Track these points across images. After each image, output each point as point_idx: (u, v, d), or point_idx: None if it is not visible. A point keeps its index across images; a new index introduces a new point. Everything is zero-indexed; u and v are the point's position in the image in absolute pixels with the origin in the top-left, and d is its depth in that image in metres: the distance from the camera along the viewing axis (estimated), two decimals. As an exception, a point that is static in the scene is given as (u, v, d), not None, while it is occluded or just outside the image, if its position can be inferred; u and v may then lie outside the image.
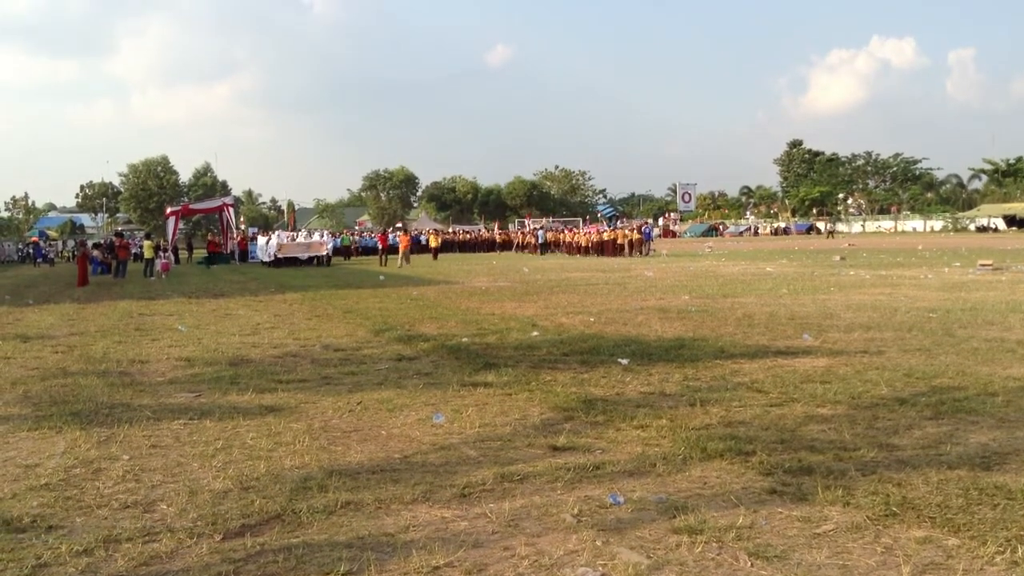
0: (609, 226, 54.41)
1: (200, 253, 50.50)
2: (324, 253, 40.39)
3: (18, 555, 3.90)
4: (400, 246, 38.53)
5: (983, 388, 7.01)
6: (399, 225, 69.64)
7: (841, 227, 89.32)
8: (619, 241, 43.13)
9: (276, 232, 48.16)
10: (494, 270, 30.00)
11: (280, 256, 38.58)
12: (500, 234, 63.53)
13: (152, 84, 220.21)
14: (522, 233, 60.32)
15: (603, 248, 43.40)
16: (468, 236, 63.12)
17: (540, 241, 51.94)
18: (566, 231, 56.37)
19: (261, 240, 46.78)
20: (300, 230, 61.46)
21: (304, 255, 39.75)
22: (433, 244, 45.85)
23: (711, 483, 4.77)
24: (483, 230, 72.15)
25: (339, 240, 51.50)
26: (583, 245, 46.68)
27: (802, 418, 6.21)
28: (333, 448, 5.75)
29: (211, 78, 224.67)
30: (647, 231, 47.79)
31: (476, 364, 8.96)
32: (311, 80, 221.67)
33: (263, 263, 41.07)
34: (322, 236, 46.37)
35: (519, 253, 51.41)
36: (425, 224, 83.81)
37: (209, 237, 51.65)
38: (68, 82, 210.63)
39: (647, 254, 41.55)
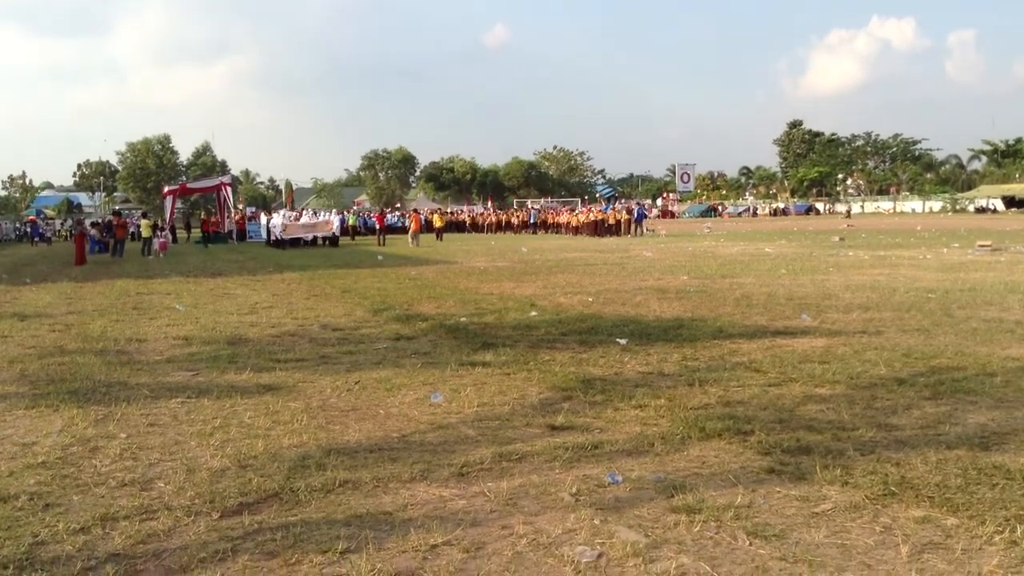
0: (608, 207, 54.63)
1: (199, 233, 50.14)
2: (331, 233, 38.95)
3: (15, 533, 3.89)
4: (411, 226, 38.26)
5: (982, 368, 7.01)
6: (398, 205, 69.33)
7: (840, 207, 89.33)
8: (610, 222, 43.50)
9: (280, 212, 46.20)
10: (492, 250, 29.96)
11: (285, 237, 37.03)
12: (471, 215, 62.88)
13: (150, 64, 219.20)
14: (514, 213, 60.62)
15: (595, 228, 43.60)
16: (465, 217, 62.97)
17: (532, 220, 52.35)
18: (556, 211, 57.08)
19: (263, 219, 46.02)
20: (306, 209, 60.07)
21: (310, 235, 38.23)
22: (438, 224, 44.95)
23: (709, 462, 4.77)
24: (513, 209, 69.45)
25: (346, 218, 49.64)
26: (575, 225, 46.91)
27: (800, 398, 6.20)
28: (331, 427, 5.74)
29: (209, 58, 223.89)
30: (639, 212, 48.17)
31: (474, 344, 8.94)
32: (309, 60, 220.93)
33: (267, 243, 39.83)
34: (328, 215, 44.55)
35: (510, 234, 51.48)
36: (423, 204, 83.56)
37: (203, 216, 50.66)
38: (66, 62, 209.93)
39: (640, 234, 41.80)
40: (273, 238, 38.29)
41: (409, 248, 33.48)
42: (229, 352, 8.81)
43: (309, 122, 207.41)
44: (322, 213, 48.42)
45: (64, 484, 4.60)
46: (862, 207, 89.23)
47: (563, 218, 51.21)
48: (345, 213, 56.17)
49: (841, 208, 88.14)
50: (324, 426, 5.76)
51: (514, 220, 56.56)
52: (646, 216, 53.25)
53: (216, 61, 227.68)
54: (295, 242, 36.98)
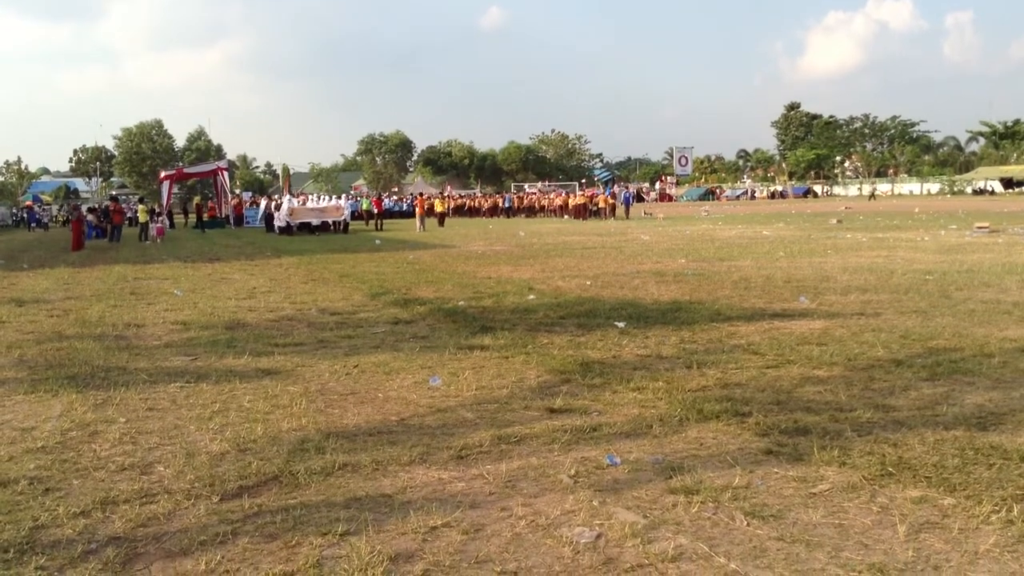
0: (605, 190, 55.19)
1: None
2: (341, 218, 36.36)
3: (15, 517, 3.90)
4: (418, 211, 37.72)
5: (979, 349, 7.02)
6: (395, 190, 68.75)
7: (838, 190, 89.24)
8: (600, 205, 45.03)
9: (286, 196, 43.02)
10: (490, 234, 29.92)
11: (292, 223, 34.47)
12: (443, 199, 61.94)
13: (144, 48, 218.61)
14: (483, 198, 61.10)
15: (580, 211, 44.98)
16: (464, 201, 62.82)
17: (506, 205, 53.04)
18: (526, 195, 58.24)
19: (263, 203, 44.06)
20: (308, 194, 58.27)
21: (318, 221, 35.61)
22: (439, 209, 44.06)
23: (707, 444, 4.78)
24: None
25: (358, 204, 47.40)
26: (555, 207, 48.93)
27: (798, 380, 6.22)
28: (330, 411, 5.75)
29: (203, 43, 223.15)
30: (627, 196, 50.30)
31: (473, 327, 8.94)
32: (305, 45, 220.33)
33: (270, 230, 37.14)
34: (339, 200, 41.98)
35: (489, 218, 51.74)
36: (420, 188, 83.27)
37: (197, 202, 49.83)
38: (61, 46, 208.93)
39: (627, 217, 43.30)
40: (278, 225, 35.46)
41: (406, 232, 33.40)
42: (227, 337, 8.81)
43: (306, 107, 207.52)
44: (332, 197, 45.60)
45: (64, 468, 4.61)
46: (860, 189, 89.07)
47: (544, 200, 52.38)
48: (359, 198, 54.65)
49: (840, 191, 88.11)
50: (323, 410, 5.77)
51: (482, 205, 56.46)
52: (643, 199, 53.93)
53: (210, 45, 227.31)
54: (303, 228, 34.69)
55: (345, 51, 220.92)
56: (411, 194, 62.79)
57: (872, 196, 71.47)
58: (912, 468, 4.23)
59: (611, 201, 45.28)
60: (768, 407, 5.44)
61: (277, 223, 35.77)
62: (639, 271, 14.60)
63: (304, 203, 39.47)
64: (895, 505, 3.81)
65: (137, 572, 3.37)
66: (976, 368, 6.36)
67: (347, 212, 37.78)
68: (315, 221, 35.51)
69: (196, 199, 50.73)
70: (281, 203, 38.03)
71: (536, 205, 53.37)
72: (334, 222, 36.02)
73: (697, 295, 11.09)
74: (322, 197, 44.20)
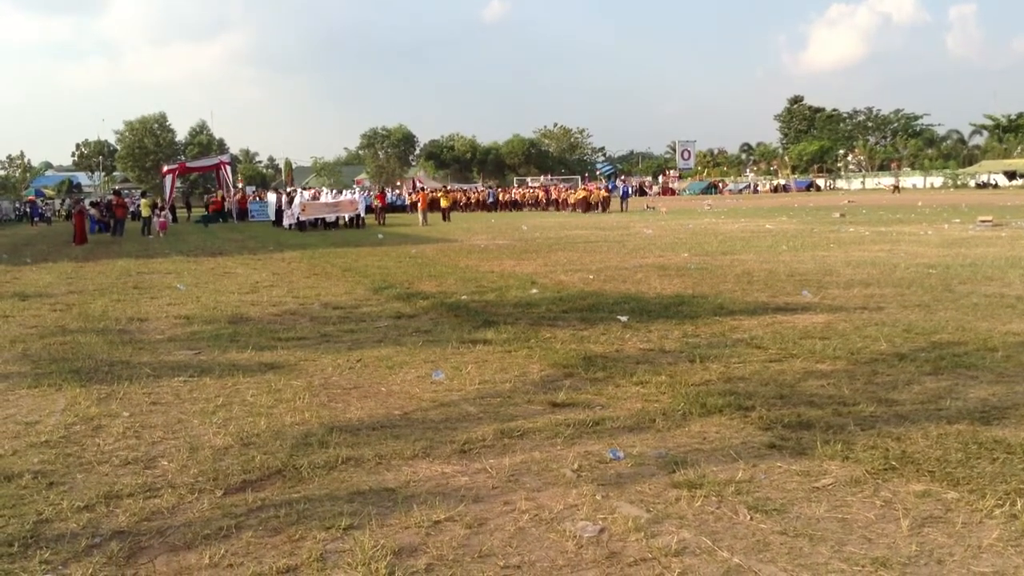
0: (608, 183, 55.72)
1: (200, 211, 49.64)
2: (356, 212, 34.83)
3: (20, 511, 3.91)
4: (420, 205, 37.40)
5: (982, 343, 7.01)
6: (399, 184, 68.39)
7: (841, 184, 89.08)
8: (593, 199, 46.19)
9: (299, 191, 41.39)
10: (492, 228, 29.90)
11: (304, 218, 32.89)
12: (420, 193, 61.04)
13: (145, 42, 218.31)
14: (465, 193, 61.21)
15: (582, 205, 45.91)
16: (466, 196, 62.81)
17: (491, 200, 53.73)
18: (506, 189, 59.77)
19: (271, 197, 42.73)
20: (321, 189, 57.34)
21: (332, 216, 34.17)
22: (444, 204, 43.48)
23: (710, 438, 4.79)
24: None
25: (370, 197, 45.68)
26: (557, 200, 50.20)
27: (801, 374, 6.21)
28: (333, 405, 5.76)
29: (204, 36, 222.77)
30: (624, 189, 52.47)
31: (475, 322, 8.95)
32: (306, 38, 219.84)
33: (273, 224, 36.28)
34: (353, 193, 40.23)
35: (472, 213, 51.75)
36: (426, 183, 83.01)
37: (214, 197, 49.15)
38: (62, 40, 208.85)
39: (626, 210, 44.37)
40: (289, 221, 33.76)
41: (409, 227, 33.36)
42: (230, 331, 8.82)
43: (307, 101, 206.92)
44: (346, 191, 43.20)
45: (68, 462, 4.62)
46: (863, 183, 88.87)
47: (527, 193, 54.83)
48: (367, 191, 54.00)
49: (843, 185, 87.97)
50: (326, 404, 5.78)
51: (461, 199, 56.66)
52: (646, 193, 54.45)
53: (211, 39, 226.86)
54: (315, 223, 33.33)
55: (347, 44, 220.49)
56: (423, 188, 62.43)
57: (896, 189, 71.17)
58: (915, 462, 4.23)
59: (605, 194, 46.30)
60: (771, 401, 5.44)
61: (289, 219, 34.29)
62: (642, 265, 14.60)
63: (317, 197, 37.97)
64: (898, 499, 3.81)
65: (141, 566, 3.38)
66: (979, 362, 6.35)
67: (362, 206, 36.48)
68: (329, 216, 34.27)
69: (219, 193, 50.43)
70: (293, 197, 36.54)
71: (521, 199, 53.95)
72: (348, 217, 34.74)
73: (700, 289, 11.08)
74: (341, 192, 42.24)
